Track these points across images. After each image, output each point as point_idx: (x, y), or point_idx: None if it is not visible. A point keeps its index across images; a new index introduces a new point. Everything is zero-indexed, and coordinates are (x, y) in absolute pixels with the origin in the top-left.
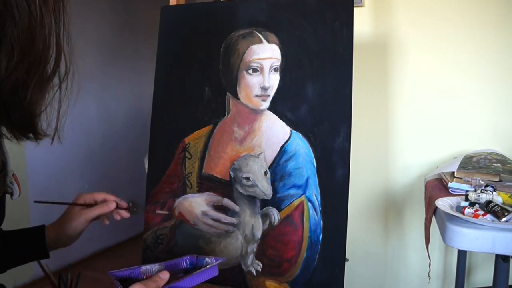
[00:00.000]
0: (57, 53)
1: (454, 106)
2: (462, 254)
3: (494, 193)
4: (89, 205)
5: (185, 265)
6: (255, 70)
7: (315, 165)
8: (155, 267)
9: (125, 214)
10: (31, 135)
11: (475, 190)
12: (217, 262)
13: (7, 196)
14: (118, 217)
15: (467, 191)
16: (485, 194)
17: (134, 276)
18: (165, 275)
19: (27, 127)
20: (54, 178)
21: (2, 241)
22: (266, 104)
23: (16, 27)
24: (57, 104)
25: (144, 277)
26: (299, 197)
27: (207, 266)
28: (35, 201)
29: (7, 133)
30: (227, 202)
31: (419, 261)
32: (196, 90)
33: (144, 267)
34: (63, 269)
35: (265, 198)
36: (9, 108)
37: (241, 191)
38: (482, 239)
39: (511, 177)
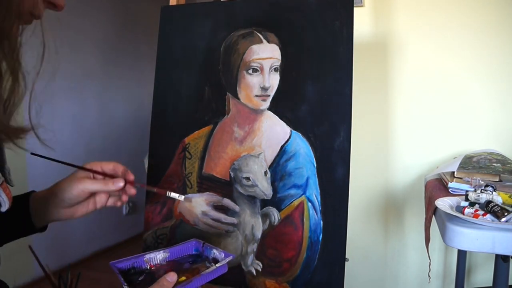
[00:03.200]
0: None
1: (454, 106)
2: (462, 254)
3: (494, 193)
4: (95, 172)
5: (190, 251)
6: (255, 70)
7: (315, 165)
8: (159, 254)
9: (132, 191)
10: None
11: (475, 190)
12: (227, 259)
13: None
14: (125, 198)
15: (467, 191)
16: (485, 194)
17: (137, 266)
18: (173, 277)
19: None
20: (54, 177)
21: None
22: (266, 104)
23: None
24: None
25: (148, 266)
26: (299, 197)
27: (217, 265)
28: (32, 153)
29: None
30: (227, 202)
31: (419, 261)
32: (196, 90)
33: (148, 255)
34: (63, 269)
35: (265, 198)
36: None
37: (241, 191)
38: (482, 239)
39: (511, 177)
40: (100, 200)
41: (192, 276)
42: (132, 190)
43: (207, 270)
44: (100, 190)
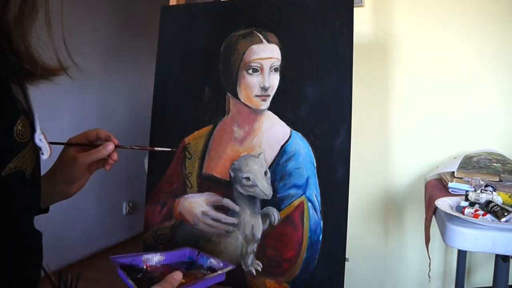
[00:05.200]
0: None
1: (454, 106)
2: (462, 254)
3: (494, 193)
4: (83, 145)
5: (183, 258)
6: (255, 70)
7: (315, 165)
8: (156, 256)
9: (115, 156)
10: (42, 73)
11: (475, 190)
12: (228, 268)
13: None
14: (111, 162)
15: (467, 191)
16: (485, 194)
17: (135, 264)
18: (178, 275)
19: (26, 65)
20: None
21: None
22: (266, 104)
23: None
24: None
25: (145, 266)
26: (299, 197)
27: (219, 272)
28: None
29: (27, 80)
30: (227, 202)
31: (419, 261)
32: (196, 90)
33: (146, 256)
34: (63, 269)
35: (265, 198)
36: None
37: (241, 191)
38: (482, 239)
39: (511, 177)
40: (93, 167)
41: (190, 280)
42: (114, 156)
43: (210, 275)
44: (96, 159)
